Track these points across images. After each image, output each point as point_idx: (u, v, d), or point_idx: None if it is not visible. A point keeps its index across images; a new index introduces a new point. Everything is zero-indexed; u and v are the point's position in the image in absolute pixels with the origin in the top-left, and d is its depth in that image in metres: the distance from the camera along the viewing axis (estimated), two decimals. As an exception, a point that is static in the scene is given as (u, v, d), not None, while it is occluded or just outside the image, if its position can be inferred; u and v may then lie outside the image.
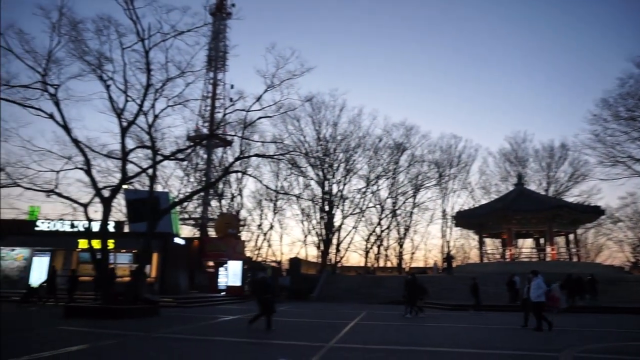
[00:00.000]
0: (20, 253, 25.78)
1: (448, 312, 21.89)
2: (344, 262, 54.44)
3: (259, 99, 19.21)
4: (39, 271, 25.00)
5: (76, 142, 16.77)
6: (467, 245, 57.17)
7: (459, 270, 37.64)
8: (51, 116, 16.37)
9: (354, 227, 50.31)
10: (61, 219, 26.90)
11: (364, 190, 50.09)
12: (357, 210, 49.76)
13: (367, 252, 52.26)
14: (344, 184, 48.97)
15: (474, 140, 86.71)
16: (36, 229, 27.53)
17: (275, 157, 21.71)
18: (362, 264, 53.24)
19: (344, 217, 49.14)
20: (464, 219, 40.99)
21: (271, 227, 50.32)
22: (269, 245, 51.01)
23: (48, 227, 27.55)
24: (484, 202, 48.46)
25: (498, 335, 12.83)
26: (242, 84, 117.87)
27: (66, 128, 16.54)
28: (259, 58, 63.90)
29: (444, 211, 54.50)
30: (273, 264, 43.75)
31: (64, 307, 16.36)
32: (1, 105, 16.16)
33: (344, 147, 49.02)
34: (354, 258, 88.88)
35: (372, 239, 52.14)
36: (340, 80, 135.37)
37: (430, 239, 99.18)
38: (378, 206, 51.70)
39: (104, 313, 14.92)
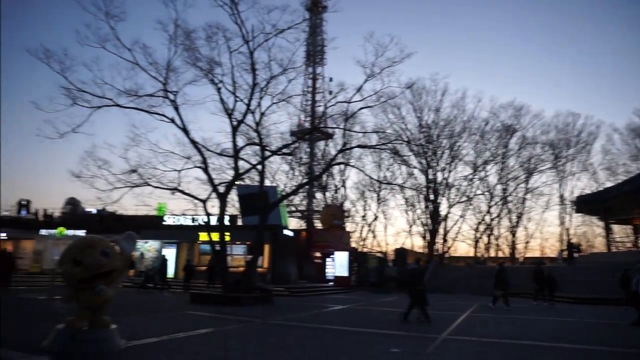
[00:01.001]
0: (152, 245, 28.69)
1: (572, 305, 20.29)
2: (452, 252, 52.80)
3: (359, 89, 19.28)
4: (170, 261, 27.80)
5: (194, 142, 18.22)
6: (590, 232, 52.27)
7: (582, 260, 34.59)
8: (172, 120, 17.97)
9: (461, 216, 48.52)
10: (184, 214, 29.43)
11: (470, 177, 48.01)
12: (464, 199, 47.86)
13: (476, 242, 50.14)
14: (449, 172, 47.30)
15: (595, 116, 78.18)
16: (164, 223, 30.51)
17: (378, 147, 21.61)
18: (472, 254, 51.20)
19: (450, 206, 47.54)
20: (586, 204, 37.50)
21: (375, 218, 50.35)
22: (374, 236, 51.12)
23: (173, 222, 30.34)
24: (609, 184, 43.83)
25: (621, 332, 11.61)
26: (341, 75, 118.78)
27: (185, 130, 18.05)
28: (357, 48, 64.04)
29: (561, 196, 50.42)
30: (379, 255, 43.79)
31: (190, 294, 17.99)
32: (132, 113, 18.08)
33: (448, 133, 47.24)
34: (462, 248, 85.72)
35: (482, 227, 49.90)
36: (440, 64, 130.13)
37: (547, 227, 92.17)
38: (487, 193, 49.27)
39: (224, 300, 16.09)
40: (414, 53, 20.61)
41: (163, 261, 24.16)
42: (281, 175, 48.67)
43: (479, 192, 48.84)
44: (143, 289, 22.31)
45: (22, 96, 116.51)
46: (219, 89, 18.61)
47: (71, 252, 6.29)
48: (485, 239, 50.70)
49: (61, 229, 30.73)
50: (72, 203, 38.97)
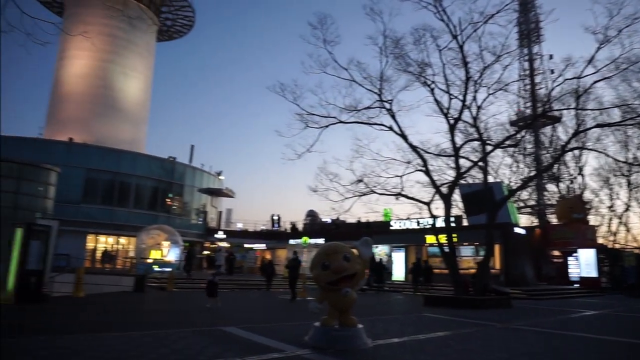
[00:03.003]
0: (382, 249, 30.11)
1: None
2: None
3: (590, 60, 16.75)
4: (399, 265, 28.77)
5: (413, 147, 18.51)
6: None
7: None
8: (390, 128, 18.65)
9: None
10: (409, 218, 30.07)
11: None
12: None
13: None
14: None
15: None
16: (391, 228, 31.77)
17: (622, 123, 18.34)
18: None
19: None
20: None
21: (627, 208, 42.68)
22: (627, 229, 43.33)
23: (399, 226, 31.30)
24: None
25: None
26: (564, 50, 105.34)
27: (403, 136, 18.51)
28: (581, 14, 55.83)
29: None
30: (637, 251, 36.85)
31: (424, 296, 18.21)
32: (354, 127, 19.46)
33: None
34: None
35: None
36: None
37: None
38: None
39: (459, 303, 15.75)
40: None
41: (378, 264, 25.03)
42: (505, 169, 45.59)
43: None
44: (360, 291, 23.53)
45: (269, 127, 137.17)
46: (432, 90, 18.55)
47: (320, 258, 7.04)
48: None
49: (305, 238, 34.82)
50: (312, 215, 43.79)
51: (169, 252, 28.08)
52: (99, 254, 34.36)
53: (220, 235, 41.40)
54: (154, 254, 27.55)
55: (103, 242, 35.90)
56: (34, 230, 13.24)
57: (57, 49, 44.63)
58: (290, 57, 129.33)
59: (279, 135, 19.68)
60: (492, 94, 18.17)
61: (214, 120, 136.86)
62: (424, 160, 18.43)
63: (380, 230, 31.84)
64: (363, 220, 35.60)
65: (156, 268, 25.24)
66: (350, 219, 26.58)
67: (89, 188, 34.85)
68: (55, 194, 19.92)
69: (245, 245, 38.55)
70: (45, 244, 13.48)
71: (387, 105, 18.70)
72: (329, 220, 39.41)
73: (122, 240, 36.36)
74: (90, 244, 34.41)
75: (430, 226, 23.13)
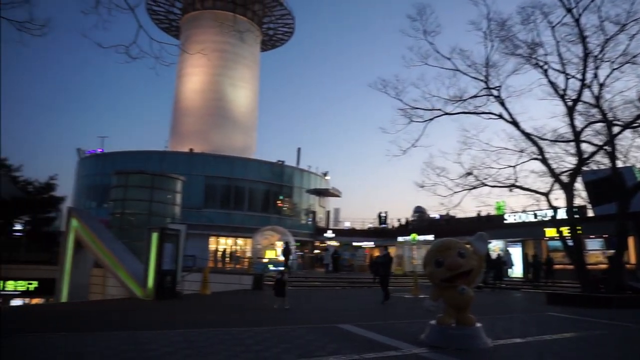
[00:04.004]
0: (496, 245, 28.63)
1: None
2: None
3: None
4: (516, 261, 27.14)
5: (526, 134, 17.36)
6: None
7: None
8: (500, 116, 17.68)
9: None
10: (524, 211, 28.23)
11: None
12: None
13: None
14: None
15: None
16: (505, 222, 30.07)
17: None
18: None
19: None
20: None
21: None
22: None
23: (514, 219, 29.52)
24: None
25: None
26: None
27: (515, 124, 17.43)
28: None
29: None
30: None
31: (546, 293, 16.97)
32: (460, 118, 18.77)
33: None
34: None
35: None
36: None
37: None
38: None
39: (587, 301, 14.45)
40: None
41: (496, 260, 23.68)
42: (636, 152, 40.61)
43: None
44: (476, 288, 22.44)
45: (372, 124, 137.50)
46: (545, 71, 17.22)
47: (433, 255, 6.95)
48: None
49: (414, 235, 34.33)
50: (420, 211, 43.05)
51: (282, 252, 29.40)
52: (219, 255, 37.10)
53: (329, 234, 42.37)
54: (269, 254, 29.05)
55: (223, 244, 38.70)
56: (166, 234, 14.72)
57: (175, 68, 49.02)
58: (390, 52, 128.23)
59: (383, 132, 19.58)
60: (616, 68, 16.36)
61: (318, 121, 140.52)
62: (540, 148, 17.18)
63: (493, 225, 30.24)
64: (475, 214, 34.17)
65: (271, 267, 26.58)
66: (460, 213, 25.63)
67: (209, 194, 37.84)
68: (181, 200, 21.95)
69: (354, 244, 39.01)
70: (176, 247, 14.94)
71: (495, 92, 17.75)
72: (438, 216, 38.39)
73: (240, 241, 38.89)
74: (212, 246, 37.29)
75: (550, 218, 21.49)
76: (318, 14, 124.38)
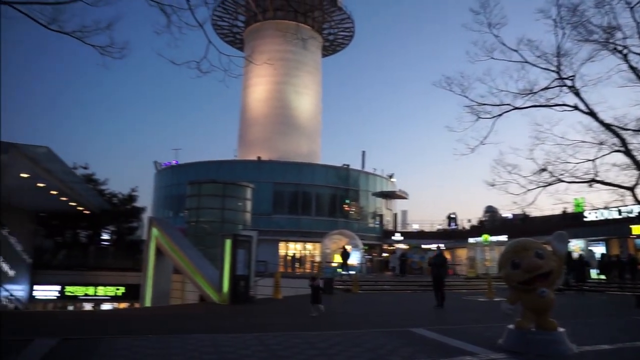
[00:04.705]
0: (576, 244, 26.95)
1: None
2: None
3: None
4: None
5: (606, 125, 16.24)
6: None
7: None
8: (575, 107, 16.71)
9: None
10: (606, 207, 26.36)
11: None
12: None
13: None
14: None
15: None
16: (585, 219, 28.22)
17: None
18: None
19: None
20: None
21: None
22: None
23: (596, 217, 27.64)
24: None
25: None
26: None
27: (592, 114, 16.38)
28: None
29: None
30: None
31: (635, 296, 15.72)
32: (531, 112, 17.91)
33: None
34: None
35: None
36: None
37: None
38: None
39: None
40: None
41: (578, 261, 22.13)
42: None
43: None
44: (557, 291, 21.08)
45: (437, 123, 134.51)
46: (624, 56, 16.02)
47: (508, 256, 6.69)
48: None
49: (485, 236, 33.10)
50: (491, 210, 41.50)
51: (351, 256, 29.44)
52: (289, 260, 37.81)
53: (397, 237, 41.85)
54: (338, 258, 29.19)
55: (292, 249, 39.42)
56: (239, 240, 15.26)
57: (241, 79, 50.76)
58: (453, 49, 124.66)
59: (450, 131, 19.06)
60: None
61: (382, 123, 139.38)
62: (622, 139, 15.98)
63: (571, 223, 28.40)
64: (551, 212, 32.30)
65: (340, 271, 26.69)
66: (536, 212, 24.29)
67: (277, 200, 38.76)
68: (251, 207, 22.63)
69: (423, 246, 38.26)
70: (248, 252, 15.44)
71: (569, 82, 16.77)
72: (511, 216, 36.76)
73: (308, 246, 39.40)
74: (281, 251, 38.09)
75: (637, 215, 19.92)
76: (377, 15, 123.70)
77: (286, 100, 48.84)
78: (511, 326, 6.89)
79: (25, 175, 14.75)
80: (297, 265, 37.00)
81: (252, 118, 49.67)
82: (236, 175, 32.56)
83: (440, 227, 44.76)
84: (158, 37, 8.65)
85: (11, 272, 21.54)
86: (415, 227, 46.10)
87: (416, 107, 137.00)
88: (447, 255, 35.72)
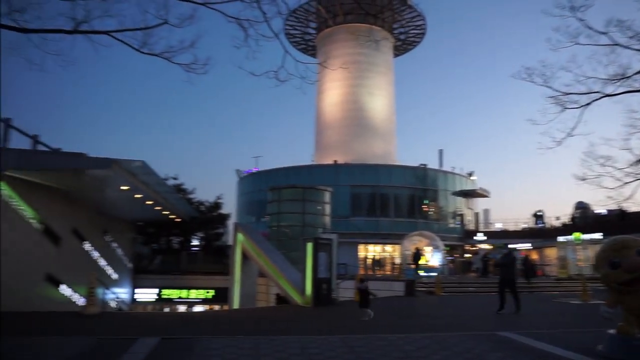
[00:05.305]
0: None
1: None
2: None
3: None
4: None
5: None
6: None
7: None
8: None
9: None
10: None
11: None
12: None
13: None
14: None
15: None
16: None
17: None
18: None
19: None
20: None
21: None
22: None
23: None
24: None
25: None
26: None
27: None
28: None
29: None
30: None
31: None
32: (625, 98, 16.53)
33: None
34: None
35: None
36: None
37: None
38: None
39: None
40: None
41: None
42: None
43: None
44: None
45: (519, 117, 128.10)
46: None
47: (606, 255, 6.29)
48: None
49: (577, 234, 30.93)
50: (582, 207, 38.78)
51: (432, 257, 28.87)
52: (369, 262, 37.78)
53: (480, 237, 40.36)
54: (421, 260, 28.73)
55: (371, 251, 39.35)
56: (320, 243, 15.59)
57: (316, 85, 51.72)
58: (533, 37, 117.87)
59: (533, 124, 18.07)
60: None
61: (458, 120, 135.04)
62: None
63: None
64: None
65: (422, 273, 26.25)
66: (635, 207, 22.26)
67: (355, 202, 38.96)
68: (330, 210, 22.96)
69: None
70: (329, 255, 15.72)
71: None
72: (606, 212, 34.03)
73: (388, 247, 39.13)
74: (361, 253, 38.17)
75: None
76: (448, 9, 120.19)
77: (360, 103, 48.97)
78: (612, 331, 6.46)
79: (125, 188, 16.10)
80: (377, 267, 36.88)
81: (327, 122, 50.34)
82: (314, 180, 33.18)
83: (525, 225, 42.53)
84: (238, 51, 9.13)
85: (115, 276, 23.57)
86: (498, 226, 44.19)
87: (494, 101, 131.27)
88: (535, 255, 33.89)
